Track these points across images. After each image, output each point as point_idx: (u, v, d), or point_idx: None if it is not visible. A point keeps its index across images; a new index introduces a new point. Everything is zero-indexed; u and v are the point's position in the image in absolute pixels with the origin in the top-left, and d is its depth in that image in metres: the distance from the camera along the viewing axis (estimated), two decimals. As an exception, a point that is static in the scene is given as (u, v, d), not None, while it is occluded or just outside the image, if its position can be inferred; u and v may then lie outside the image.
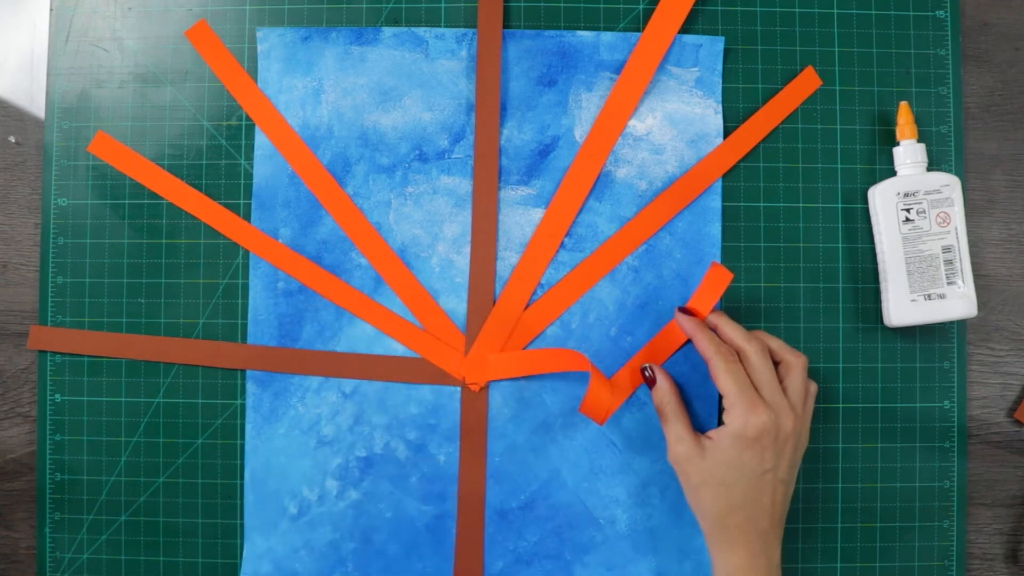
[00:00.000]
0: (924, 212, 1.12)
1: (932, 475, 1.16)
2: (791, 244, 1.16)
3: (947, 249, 1.11)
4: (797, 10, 1.17)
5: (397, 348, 1.15)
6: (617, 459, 1.14)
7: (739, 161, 1.16)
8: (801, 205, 1.16)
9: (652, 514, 1.13)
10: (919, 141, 1.15)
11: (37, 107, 1.18)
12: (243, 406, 1.14)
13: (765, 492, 1.02)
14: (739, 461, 1.01)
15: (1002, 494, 1.18)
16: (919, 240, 1.12)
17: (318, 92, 1.15)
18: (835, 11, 1.18)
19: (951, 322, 1.17)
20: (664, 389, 1.08)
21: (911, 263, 1.11)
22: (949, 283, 1.11)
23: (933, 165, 1.16)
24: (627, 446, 1.14)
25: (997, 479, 1.18)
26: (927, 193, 1.12)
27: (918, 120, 1.17)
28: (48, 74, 1.17)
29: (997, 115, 1.19)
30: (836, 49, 1.17)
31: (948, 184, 1.12)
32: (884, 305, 1.15)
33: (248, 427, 1.14)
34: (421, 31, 1.16)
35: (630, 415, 1.14)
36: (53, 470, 1.15)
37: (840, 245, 1.16)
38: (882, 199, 1.13)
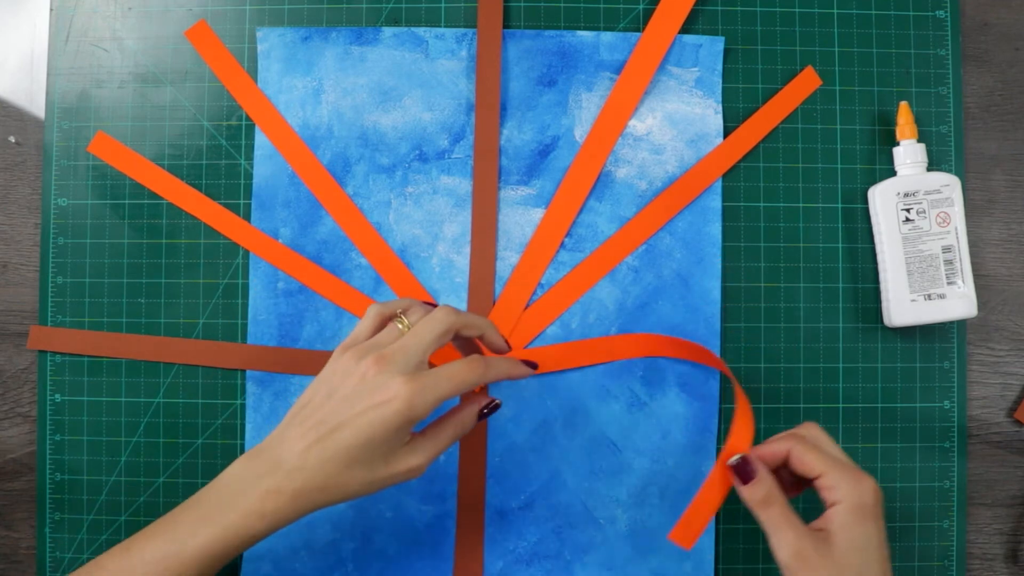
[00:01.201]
0: (924, 212, 1.11)
1: (932, 475, 1.16)
2: (791, 244, 1.16)
3: (947, 249, 1.11)
4: (797, 10, 1.17)
5: (398, 347, 1.13)
6: (617, 459, 1.14)
7: (739, 161, 1.16)
8: (801, 205, 1.16)
9: (652, 514, 1.13)
10: (919, 141, 1.14)
11: (37, 107, 1.18)
12: (243, 406, 1.14)
13: (888, 570, 0.92)
14: (866, 539, 0.90)
15: (1002, 494, 1.18)
16: (919, 240, 1.11)
17: (318, 92, 1.16)
18: (835, 11, 1.18)
19: (951, 322, 1.16)
20: (768, 483, 0.93)
21: (911, 263, 1.11)
22: (949, 283, 1.11)
23: (933, 165, 1.16)
24: (627, 446, 1.14)
25: (997, 479, 1.18)
26: (927, 193, 1.11)
27: (918, 120, 1.17)
28: (48, 74, 1.17)
29: (997, 115, 1.19)
30: (836, 49, 1.18)
31: (948, 184, 1.11)
32: (884, 305, 1.15)
33: (248, 427, 1.14)
34: (421, 31, 1.16)
35: (630, 415, 1.14)
36: (53, 470, 1.15)
37: (840, 245, 1.16)
38: (882, 199, 1.13)
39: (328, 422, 0.88)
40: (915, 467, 1.16)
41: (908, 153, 1.13)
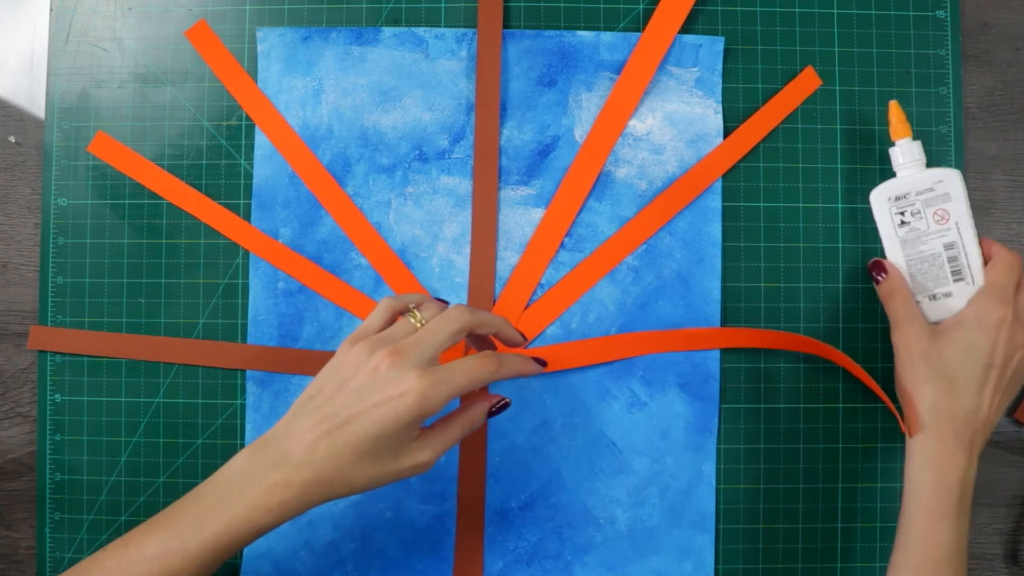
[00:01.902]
0: (919, 212, 1.08)
1: (932, 475, 1.16)
2: (791, 244, 1.16)
3: (949, 246, 1.08)
4: (797, 10, 1.17)
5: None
6: (617, 459, 1.14)
7: (739, 161, 1.16)
8: (801, 205, 1.16)
9: (652, 514, 1.13)
10: (915, 139, 1.11)
11: (37, 107, 1.18)
12: (243, 406, 1.14)
13: (985, 392, 1.02)
14: (973, 346, 1.02)
15: (1002, 494, 1.18)
16: (918, 241, 1.09)
17: (318, 92, 1.16)
18: (835, 11, 1.18)
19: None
20: (897, 276, 1.09)
21: (912, 265, 1.10)
22: (956, 280, 1.08)
23: (933, 163, 1.16)
24: (627, 446, 1.14)
25: (997, 479, 1.18)
26: (919, 193, 1.08)
27: (918, 120, 1.17)
28: (48, 74, 1.17)
29: (997, 115, 1.19)
30: (836, 49, 1.18)
31: (941, 180, 1.08)
32: None
33: (248, 427, 1.14)
34: (421, 31, 1.16)
35: (630, 415, 1.14)
36: (53, 470, 1.15)
37: (840, 245, 1.16)
38: (877, 205, 1.11)
39: (339, 414, 0.87)
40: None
41: (904, 152, 1.09)
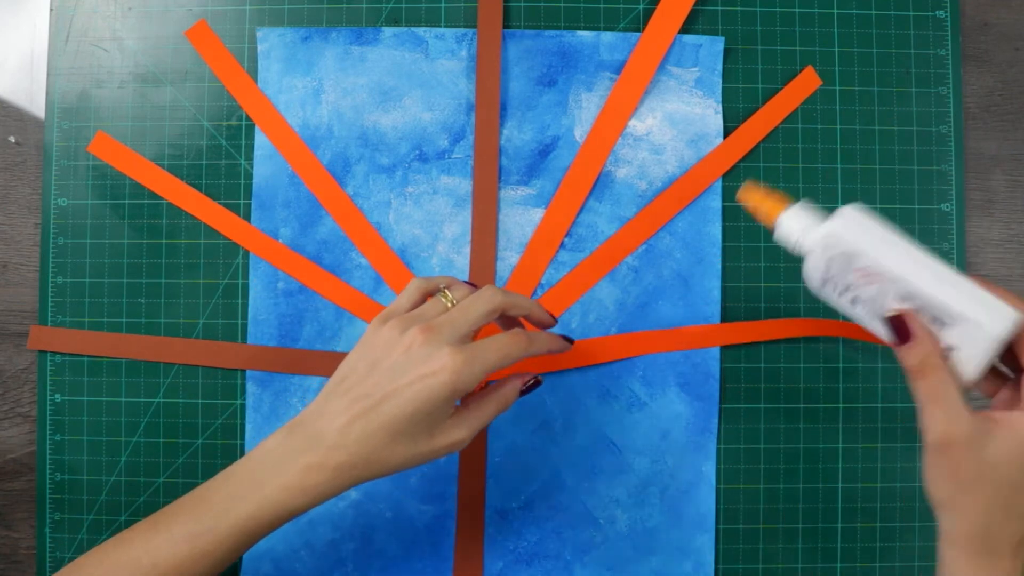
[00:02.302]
0: (851, 285, 0.87)
1: (932, 475, 1.16)
2: (791, 244, 1.16)
3: (907, 297, 0.84)
4: (797, 10, 1.18)
5: (397, 347, 1.13)
6: (617, 459, 1.14)
7: (739, 161, 1.15)
8: (801, 205, 1.16)
9: (652, 514, 1.13)
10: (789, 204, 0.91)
11: (37, 107, 1.18)
12: (243, 406, 1.14)
13: None
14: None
15: (1002, 494, 1.18)
16: (879, 310, 0.87)
17: (318, 92, 1.16)
18: (835, 11, 1.18)
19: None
20: (928, 345, 0.82)
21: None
22: (945, 327, 0.83)
23: (934, 163, 1.17)
24: (627, 446, 1.14)
25: (997, 479, 1.18)
26: (829, 264, 0.87)
27: (918, 120, 1.17)
28: (48, 74, 1.17)
29: (997, 115, 1.19)
30: (836, 49, 1.18)
31: (838, 229, 0.87)
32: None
33: (248, 427, 1.14)
34: (421, 31, 1.16)
35: (630, 415, 1.14)
36: (53, 470, 1.15)
37: (840, 245, 1.16)
38: (828, 298, 0.90)
39: (372, 395, 0.87)
40: (915, 467, 1.16)
41: (790, 231, 0.90)
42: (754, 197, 0.93)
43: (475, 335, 0.91)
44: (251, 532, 0.86)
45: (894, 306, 0.85)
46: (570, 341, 1.01)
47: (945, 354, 0.83)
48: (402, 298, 0.95)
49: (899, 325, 0.85)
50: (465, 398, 0.93)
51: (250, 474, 0.88)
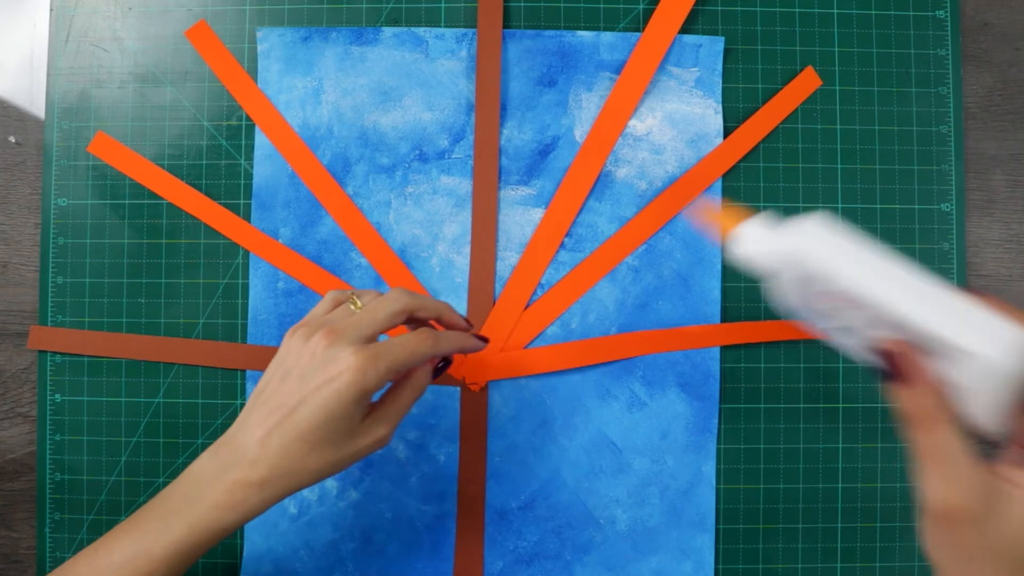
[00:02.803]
0: (825, 310, 0.77)
1: (932, 475, 1.16)
2: (791, 244, 1.15)
3: (894, 327, 0.72)
4: (797, 10, 1.17)
5: (396, 347, 1.13)
6: (617, 459, 1.14)
7: (739, 161, 1.15)
8: (801, 205, 1.16)
9: (652, 514, 1.14)
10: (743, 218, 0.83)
11: (37, 107, 1.18)
12: (243, 406, 1.14)
13: None
14: None
15: (1002, 494, 1.18)
16: (862, 341, 0.77)
17: (318, 92, 1.16)
18: (835, 11, 1.18)
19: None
20: (929, 387, 0.70)
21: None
22: (943, 358, 0.69)
23: (934, 163, 1.17)
24: (627, 446, 1.14)
25: (997, 479, 1.18)
26: (799, 286, 0.77)
27: (918, 120, 1.17)
28: (48, 74, 1.17)
29: (997, 115, 1.19)
30: (836, 49, 1.18)
31: (798, 247, 0.75)
32: None
33: (248, 427, 1.13)
34: (421, 31, 1.16)
35: (630, 415, 1.14)
36: (53, 470, 1.15)
37: (840, 245, 1.16)
38: (811, 325, 0.81)
39: (286, 404, 0.86)
40: (915, 467, 1.16)
41: (747, 243, 0.80)
42: (707, 214, 0.85)
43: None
44: (187, 552, 0.86)
45: (882, 337, 0.72)
46: (484, 340, 1.00)
47: (949, 398, 0.70)
48: (316, 309, 0.95)
49: (892, 362, 0.72)
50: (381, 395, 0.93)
51: (182, 494, 0.88)
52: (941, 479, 0.68)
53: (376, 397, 0.91)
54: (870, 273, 0.72)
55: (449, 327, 0.98)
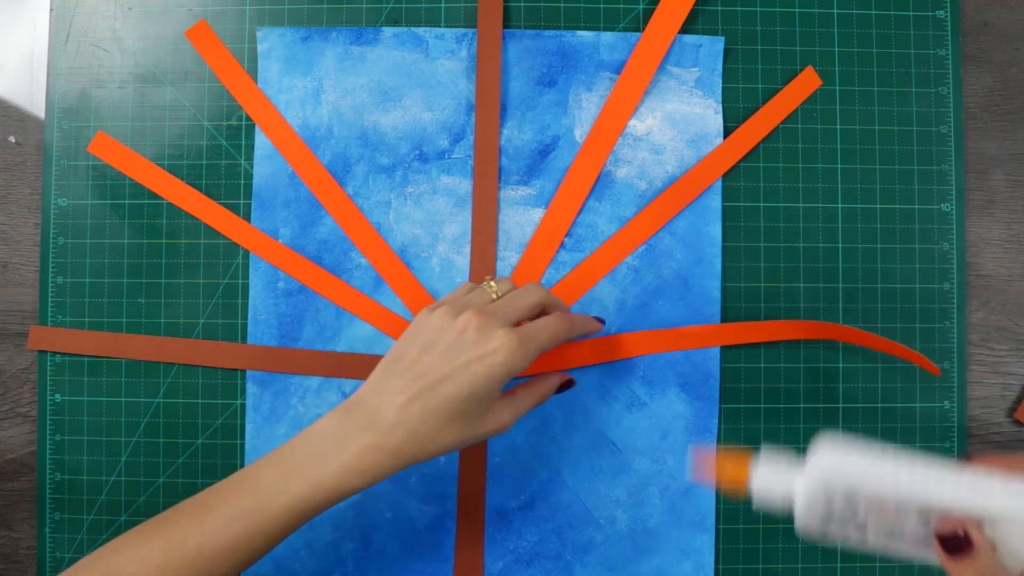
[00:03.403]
0: (857, 518, 0.79)
1: (932, 475, 1.16)
2: (791, 244, 1.16)
3: (928, 512, 0.77)
4: (797, 10, 1.17)
5: (397, 348, 1.14)
6: (617, 459, 1.14)
7: (739, 161, 1.16)
8: (801, 205, 1.16)
9: (652, 514, 1.14)
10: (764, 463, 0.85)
11: (37, 107, 1.18)
12: (243, 406, 1.14)
13: None
14: None
15: (1002, 494, 1.18)
16: (899, 535, 0.79)
17: (318, 92, 1.16)
18: (835, 11, 1.18)
19: (951, 325, 1.17)
20: (987, 554, 0.74)
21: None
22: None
23: (933, 163, 1.17)
24: (627, 446, 1.14)
25: (997, 479, 1.18)
26: (829, 504, 0.80)
27: (918, 120, 1.17)
28: (48, 74, 1.17)
29: (997, 115, 1.19)
30: (836, 49, 1.18)
31: (825, 471, 0.80)
32: None
33: (248, 427, 1.14)
34: (421, 31, 1.16)
35: (630, 415, 1.14)
36: (53, 470, 1.15)
37: (840, 245, 1.16)
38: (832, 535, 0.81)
39: (429, 375, 0.89)
40: (915, 467, 1.16)
41: (769, 483, 0.83)
42: (708, 465, 0.85)
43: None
44: (305, 511, 0.88)
45: (926, 522, 0.77)
46: (602, 321, 1.07)
47: (999, 563, 0.75)
48: (454, 292, 1.00)
49: (954, 539, 0.75)
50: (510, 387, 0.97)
51: (306, 454, 0.89)
52: None
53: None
54: (899, 471, 0.77)
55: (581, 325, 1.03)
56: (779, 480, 0.82)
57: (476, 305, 0.94)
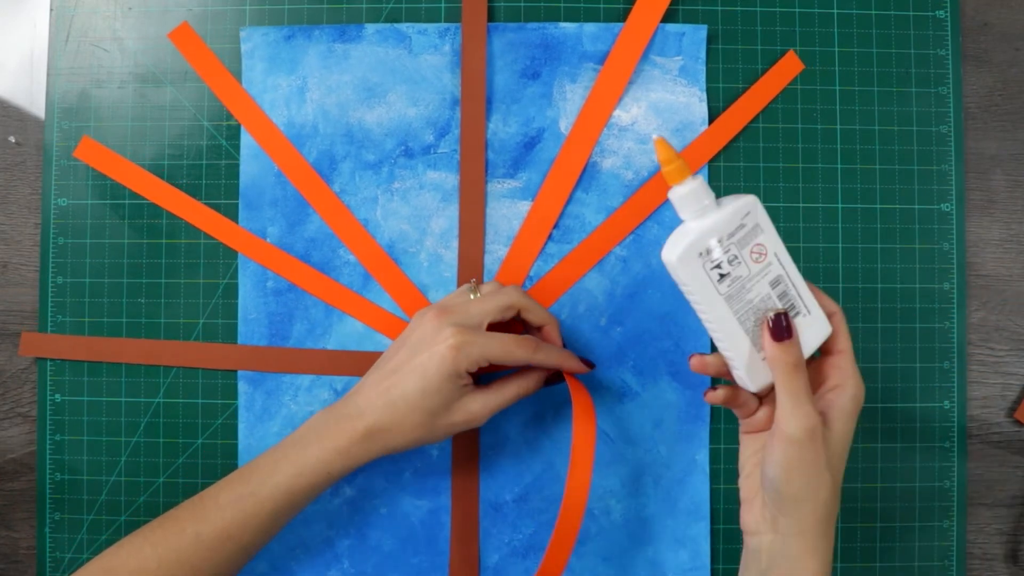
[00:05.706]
0: (737, 257, 0.89)
1: (932, 475, 1.16)
2: (791, 244, 1.15)
3: (776, 282, 0.91)
4: (797, 10, 1.18)
5: (387, 344, 1.16)
6: (610, 449, 1.14)
7: (739, 161, 1.16)
8: (801, 205, 1.16)
9: (646, 504, 1.14)
10: (695, 174, 0.90)
11: (37, 107, 1.19)
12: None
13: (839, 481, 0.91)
14: (850, 434, 0.91)
15: (1002, 494, 1.17)
16: (743, 291, 0.90)
17: (302, 90, 1.17)
18: (835, 11, 1.18)
19: (951, 325, 1.16)
20: (799, 343, 0.89)
21: (744, 320, 0.91)
22: (794, 316, 0.91)
23: (933, 163, 1.17)
24: (620, 436, 1.14)
25: (997, 479, 1.17)
26: (730, 236, 0.88)
27: (918, 120, 1.17)
28: (48, 74, 1.19)
29: (997, 115, 1.19)
30: (836, 49, 1.18)
31: (748, 212, 0.89)
32: (735, 375, 0.95)
33: (241, 426, 1.15)
34: (404, 27, 1.17)
35: (622, 405, 1.15)
36: (53, 470, 1.16)
37: (840, 245, 1.16)
38: (685, 269, 0.89)
39: (395, 369, 0.99)
40: (915, 467, 1.15)
41: (692, 197, 0.89)
42: (666, 153, 0.88)
43: (490, 327, 1.01)
44: (293, 494, 0.97)
45: (767, 292, 0.91)
46: (590, 365, 1.06)
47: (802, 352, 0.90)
48: (448, 296, 1.09)
49: (784, 322, 0.89)
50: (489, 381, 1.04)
51: (292, 442, 1.00)
52: (805, 407, 0.86)
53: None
54: (775, 233, 0.91)
55: (544, 340, 1.06)
56: (696, 200, 0.88)
57: (448, 305, 1.02)
